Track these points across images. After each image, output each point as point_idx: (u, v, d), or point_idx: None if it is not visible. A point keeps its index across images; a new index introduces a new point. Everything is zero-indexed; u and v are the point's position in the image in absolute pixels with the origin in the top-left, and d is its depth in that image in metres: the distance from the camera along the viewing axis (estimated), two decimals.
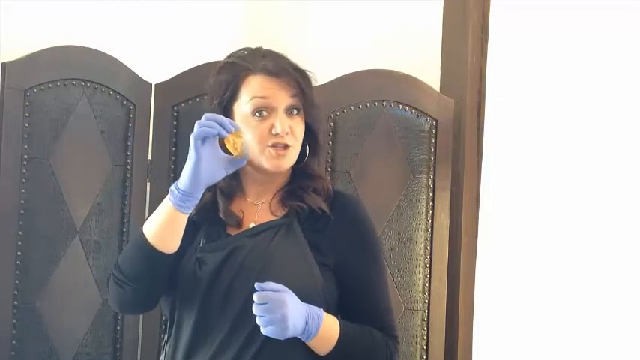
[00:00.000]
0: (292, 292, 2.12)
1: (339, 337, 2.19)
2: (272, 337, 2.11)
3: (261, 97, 2.25)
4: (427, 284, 3.15)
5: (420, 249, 3.15)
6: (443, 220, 3.17)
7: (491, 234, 3.21)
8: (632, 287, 3.12)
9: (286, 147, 2.25)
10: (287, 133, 2.24)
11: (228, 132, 2.16)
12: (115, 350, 3.06)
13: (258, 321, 2.11)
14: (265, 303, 2.09)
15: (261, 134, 2.24)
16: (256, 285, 2.10)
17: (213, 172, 2.17)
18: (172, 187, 2.19)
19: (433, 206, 3.16)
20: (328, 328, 2.18)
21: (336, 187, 2.39)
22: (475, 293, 3.22)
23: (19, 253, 2.91)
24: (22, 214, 2.91)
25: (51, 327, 2.95)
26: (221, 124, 2.15)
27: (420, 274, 3.14)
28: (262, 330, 2.11)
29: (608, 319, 3.12)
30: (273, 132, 2.23)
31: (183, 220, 2.20)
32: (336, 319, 2.21)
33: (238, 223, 2.29)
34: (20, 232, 2.91)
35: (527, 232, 3.19)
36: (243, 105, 2.26)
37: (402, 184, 3.15)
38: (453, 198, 3.20)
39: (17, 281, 2.91)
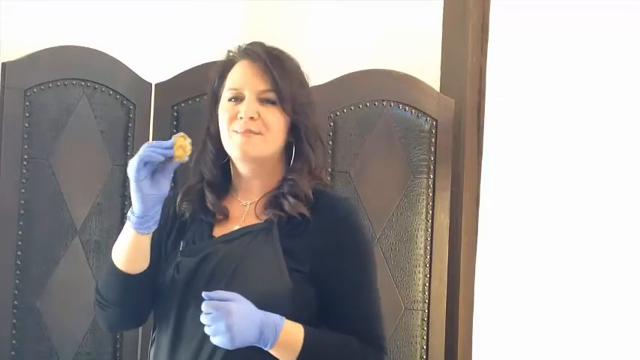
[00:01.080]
0: (246, 301, 2.08)
1: (302, 346, 2.13)
2: (221, 347, 2.08)
3: (236, 85, 2.24)
4: (427, 284, 3.15)
5: (420, 249, 3.15)
6: (443, 220, 3.17)
7: (492, 234, 3.22)
8: (631, 286, 3.12)
9: (252, 132, 2.21)
10: (251, 118, 2.20)
11: (170, 147, 2.12)
12: (115, 350, 3.06)
13: (205, 330, 2.08)
14: (210, 313, 2.06)
15: (231, 116, 2.22)
16: (204, 294, 2.07)
17: (158, 187, 2.14)
18: (129, 213, 2.18)
19: (433, 206, 3.16)
20: (288, 337, 2.12)
21: (328, 189, 2.34)
22: (475, 293, 3.22)
23: (19, 253, 2.91)
24: (22, 214, 2.91)
25: (51, 327, 2.95)
26: (160, 146, 2.12)
27: (420, 274, 3.14)
28: (211, 339, 2.08)
29: (608, 319, 3.12)
30: (238, 116, 2.21)
31: (146, 240, 2.19)
32: (300, 327, 2.14)
33: (226, 216, 2.28)
34: (20, 232, 2.91)
35: (528, 232, 3.19)
36: (225, 91, 2.26)
37: (402, 184, 3.15)
38: (453, 198, 3.20)
39: (17, 281, 2.91)
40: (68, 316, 2.97)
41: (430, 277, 3.15)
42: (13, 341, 2.91)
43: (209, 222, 2.27)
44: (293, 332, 2.13)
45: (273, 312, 2.11)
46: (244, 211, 2.27)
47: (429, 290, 3.15)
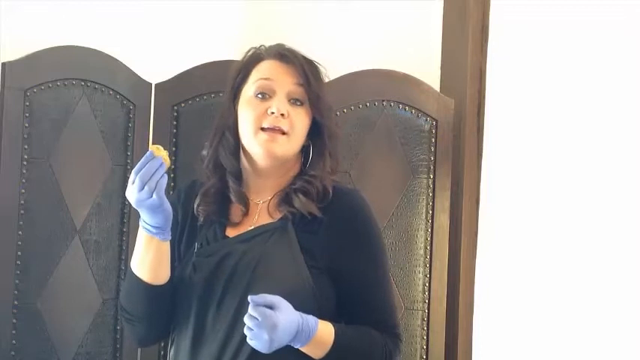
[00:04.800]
0: (287, 306, 2.10)
1: (333, 343, 2.17)
2: (255, 348, 2.11)
3: (265, 79, 2.26)
4: (427, 284, 3.15)
5: (420, 249, 3.15)
6: (443, 220, 3.17)
7: (492, 234, 3.21)
8: (632, 287, 3.12)
9: (281, 132, 2.23)
10: (283, 115, 2.22)
11: (161, 163, 2.13)
12: (115, 350, 3.06)
13: (245, 330, 2.10)
14: (257, 319, 2.08)
15: (259, 114, 2.24)
16: (249, 298, 2.09)
17: (163, 196, 2.15)
18: (143, 225, 2.19)
19: (433, 206, 3.16)
20: (319, 338, 2.16)
21: (336, 183, 2.36)
22: (475, 293, 3.22)
23: (19, 253, 2.91)
24: (22, 214, 2.91)
25: (51, 327, 2.94)
26: (154, 168, 2.12)
27: (420, 274, 3.14)
28: (248, 341, 2.10)
29: (608, 319, 3.12)
30: (269, 112, 2.22)
31: (167, 246, 2.21)
32: (331, 328, 2.18)
33: (241, 213, 2.29)
34: (20, 232, 2.91)
35: (528, 232, 3.19)
36: (250, 86, 2.28)
37: (402, 184, 3.15)
38: (453, 198, 3.19)
39: (17, 281, 2.91)
40: (68, 316, 2.97)
41: (430, 277, 3.15)
42: (13, 341, 2.90)
43: (222, 222, 2.28)
44: (323, 335, 2.17)
45: (297, 310, 2.13)
46: (257, 209, 2.29)
47: (429, 290, 3.15)
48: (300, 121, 2.25)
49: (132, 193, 2.13)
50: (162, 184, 2.12)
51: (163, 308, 2.24)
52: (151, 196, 2.11)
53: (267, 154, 2.24)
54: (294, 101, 2.25)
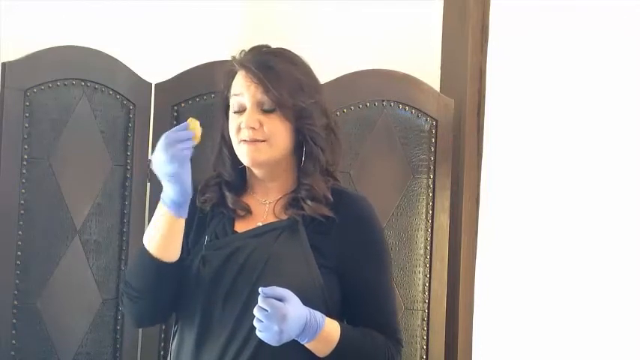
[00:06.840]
0: (296, 300, 2.12)
1: (338, 341, 2.19)
2: (264, 340, 2.12)
3: (236, 95, 2.28)
4: (427, 284, 3.15)
5: (420, 249, 3.15)
6: (443, 220, 3.17)
7: (491, 234, 3.21)
8: (632, 287, 3.12)
9: (256, 141, 2.24)
10: (252, 128, 2.23)
11: (190, 137, 2.15)
12: (115, 350, 3.06)
13: (254, 322, 2.11)
14: (267, 310, 2.09)
15: (236, 128, 2.26)
16: (260, 290, 2.10)
17: (188, 170, 2.17)
18: (164, 200, 2.19)
19: (433, 206, 3.16)
20: (326, 335, 2.17)
21: (343, 187, 2.37)
22: (475, 293, 3.22)
23: (19, 253, 2.91)
24: (22, 214, 2.91)
25: (51, 327, 2.95)
26: (183, 139, 2.14)
27: (420, 274, 3.14)
28: (257, 332, 2.12)
29: (608, 319, 3.12)
30: (241, 126, 2.25)
31: (182, 224, 2.21)
32: (336, 323, 2.20)
33: (248, 212, 2.30)
34: (20, 232, 2.91)
35: (528, 232, 3.19)
36: (231, 100, 2.29)
37: (402, 184, 3.15)
38: (453, 198, 3.20)
39: (17, 281, 2.91)
40: (68, 316, 2.98)
41: (430, 277, 3.15)
42: (13, 341, 2.90)
43: (230, 217, 2.29)
44: (330, 331, 2.19)
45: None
46: (264, 209, 2.30)
47: (429, 290, 3.15)
48: (275, 127, 2.25)
49: (154, 157, 2.16)
50: (185, 155, 2.14)
51: (166, 286, 2.24)
52: (171, 163, 2.13)
53: (252, 162, 2.27)
54: (262, 108, 2.26)
